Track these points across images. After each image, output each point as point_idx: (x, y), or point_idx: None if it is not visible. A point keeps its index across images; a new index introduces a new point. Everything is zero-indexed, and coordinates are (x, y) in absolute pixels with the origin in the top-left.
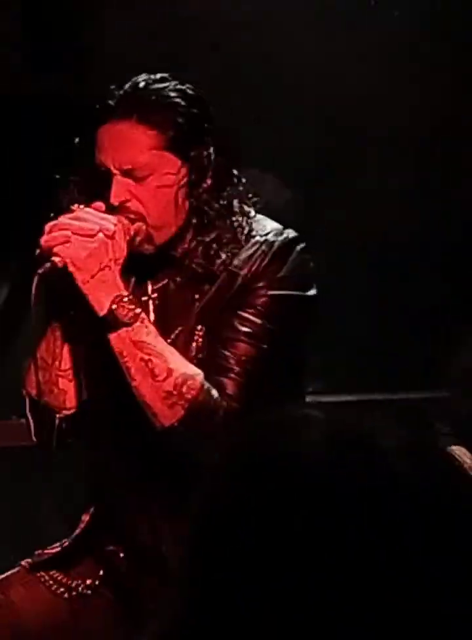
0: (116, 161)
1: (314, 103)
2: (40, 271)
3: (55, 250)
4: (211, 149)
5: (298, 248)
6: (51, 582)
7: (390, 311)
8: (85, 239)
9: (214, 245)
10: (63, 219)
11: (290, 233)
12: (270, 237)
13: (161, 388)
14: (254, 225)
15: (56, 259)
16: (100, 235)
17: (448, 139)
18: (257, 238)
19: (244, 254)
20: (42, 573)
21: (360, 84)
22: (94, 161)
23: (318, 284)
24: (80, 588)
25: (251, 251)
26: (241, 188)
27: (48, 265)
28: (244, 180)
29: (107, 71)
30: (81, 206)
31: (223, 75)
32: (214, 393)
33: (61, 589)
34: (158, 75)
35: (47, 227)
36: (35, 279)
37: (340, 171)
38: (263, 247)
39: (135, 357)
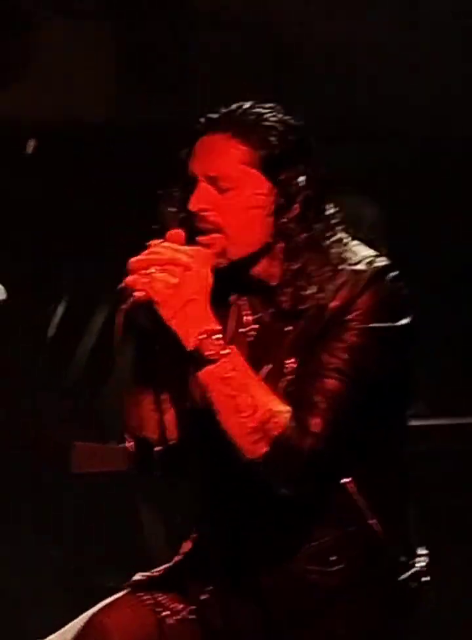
0: (203, 167)
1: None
2: (123, 306)
3: (137, 287)
4: (303, 178)
5: (389, 276)
6: (156, 605)
7: None
8: (165, 274)
9: (302, 277)
10: (141, 256)
11: (381, 262)
12: (360, 267)
13: (246, 424)
14: (345, 254)
15: (138, 294)
16: (182, 269)
17: None
18: (347, 268)
19: (333, 285)
20: (148, 596)
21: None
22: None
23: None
24: (183, 613)
25: (340, 282)
26: (333, 218)
27: (131, 300)
28: (337, 209)
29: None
30: (158, 241)
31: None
32: (300, 431)
33: (166, 613)
34: (267, 103)
35: (129, 265)
36: (118, 315)
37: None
38: (353, 277)
39: (221, 393)
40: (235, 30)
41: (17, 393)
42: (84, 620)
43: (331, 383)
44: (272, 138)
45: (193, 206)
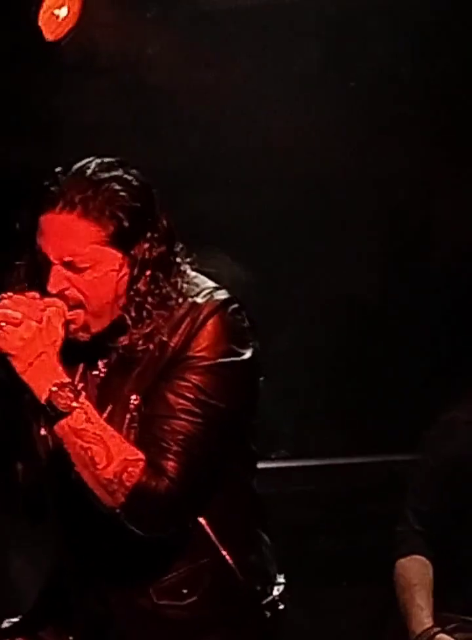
0: (56, 251)
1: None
2: None
3: None
4: (152, 243)
5: (229, 309)
6: None
7: (358, 373)
8: (18, 328)
9: (154, 337)
10: None
11: (220, 295)
12: (199, 300)
13: (101, 476)
14: (186, 287)
15: None
16: (33, 322)
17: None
18: (187, 301)
19: (172, 321)
20: None
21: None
22: (35, 244)
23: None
24: None
25: (179, 315)
26: (180, 261)
27: None
28: (181, 246)
29: (73, 141)
30: (9, 294)
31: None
32: (156, 477)
33: None
34: (106, 162)
35: None
36: None
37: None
38: (191, 313)
39: (75, 445)
40: (103, 77)
41: None
42: None
43: (181, 425)
44: (120, 214)
45: (51, 288)
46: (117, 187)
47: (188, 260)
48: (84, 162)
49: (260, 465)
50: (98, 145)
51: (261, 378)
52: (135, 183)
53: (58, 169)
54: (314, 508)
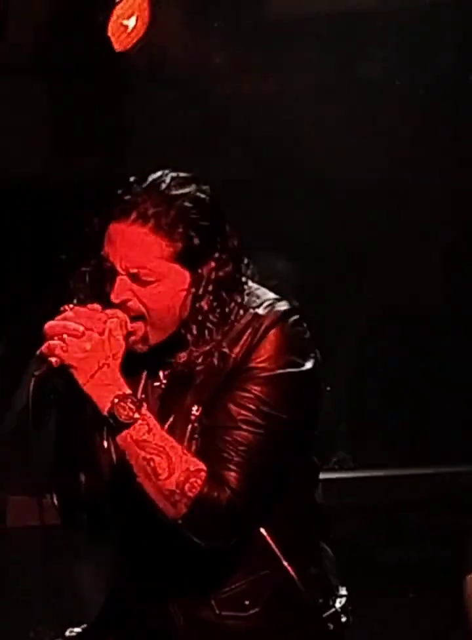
0: (123, 262)
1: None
2: (36, 372)
3: (52, 353)
4: (219, 262)
5: (290, 320)
6: None
7: (420, 385)
8: (80, 340)
9: (213, 354)
10: (54, 322)
11: (281, 306)
12: (260, 311)
13: (164, 487)
14: (246, 298)
15: (52, 359)
16: (94, 334)
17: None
18: (248, 312)
19: (234, 332)
20: None
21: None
22: (101, 251)
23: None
24: None
25: (240, 327)
26: (244, 281)
27: (44, 366)
28: (246, 262)
29: (141, 151)
30: (71, 306)
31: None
32: (217, 488)
33: None
34: (180, 176)
35: (44, 330)
36: (32, 381)
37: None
38: (253, 323)
39: (137, 457)
40: (169, 86)
41: None
42: None
43: (243, 435)
44: (191, 232)
45: (115, 298)
46: (189, 204)
47: (252, 274)
48: (159, 174)
49: (323, 476)
50: (165, 154)
51: (328, 388)
52: (207, 201)
53: (132, 179)
54: (373, 519)
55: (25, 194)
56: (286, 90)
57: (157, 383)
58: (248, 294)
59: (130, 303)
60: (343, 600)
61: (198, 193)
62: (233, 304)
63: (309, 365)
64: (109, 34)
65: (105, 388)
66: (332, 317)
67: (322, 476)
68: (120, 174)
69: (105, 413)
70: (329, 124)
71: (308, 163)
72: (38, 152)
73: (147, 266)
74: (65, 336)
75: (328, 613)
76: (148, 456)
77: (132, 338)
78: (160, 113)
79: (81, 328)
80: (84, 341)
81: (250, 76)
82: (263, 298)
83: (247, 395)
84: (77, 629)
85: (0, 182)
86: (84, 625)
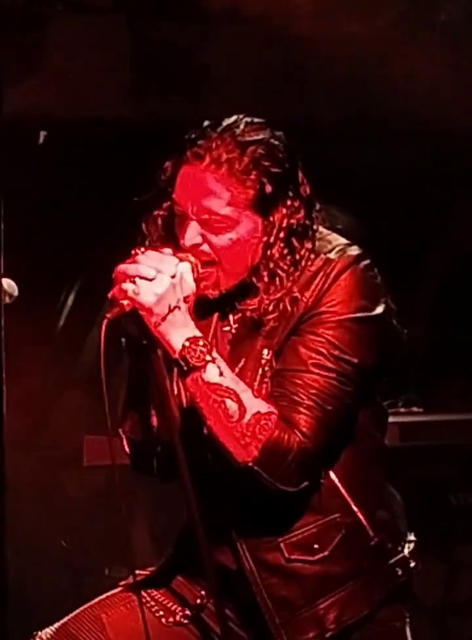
0: (195, 207)
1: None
2: (108, 315)
3: (123, 296)
4: (291, 209)
5: (362, 265)
6: (153, 603)
7: None
8: (151, 283)
9: (284, 301)
10: (126, 265)
11: (352, 251)
12: (332, 256)
13: (234, 429)
14: (317, 243)
15: (123, 302)
16: (165, 277)
17: None
18: (320, 257)
19: (305, 277)
20: (144, 594)
21: None
22: (173, 195)
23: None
24: (178, 615)
25: (312, 271)
26: (315, 228)
27: (116, 309)
28: (318, 208)
29: (219, 91)
30: (143, 249)
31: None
32: (288, 431)
33: (162, 612)
34: (255, 122)
35: (115, 273)
36: (104, 323)
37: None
38: (325, 268)
39: (208, 399)
40: (248, 26)
41: (29, 388)
42: (83, 613)
43: (313, 379)
44: (264, 179)
45: (185, 243)
46: (263, 151)
47: (323, 220)
48: (232, 119)
49: (391, 420)
50: (243, 94)
51: (405, 331)
52: (280, 148)
53: (206, 123)
54: (447, 463)
55: (101, 136)
56: (370, 30)
57: (227, 328)
58: (319, 240)
59: (201, 249)
60: (412, 545)
61: (271, 140)
62: (303, 251)
63: (379, 310)
64: None
65: (176, 331)
66: (413, 258)
67: (392, 419)
68: (198, 115)
69: (176, 356)
70: (409, 65)
71: (389, 103)
72: (116, 92)
73: (219, 213)
74: (137, 279)
75: (396, 558)
76: (219, 399)
77: (204, 283)
78: (238, 52)
79: (153, 272)
80: (155, 284)
81: (331, 13)
82: (334, 243)
83: (318, 338)
84: (146, 571)
85: (77, 123)
86: (154, 568)
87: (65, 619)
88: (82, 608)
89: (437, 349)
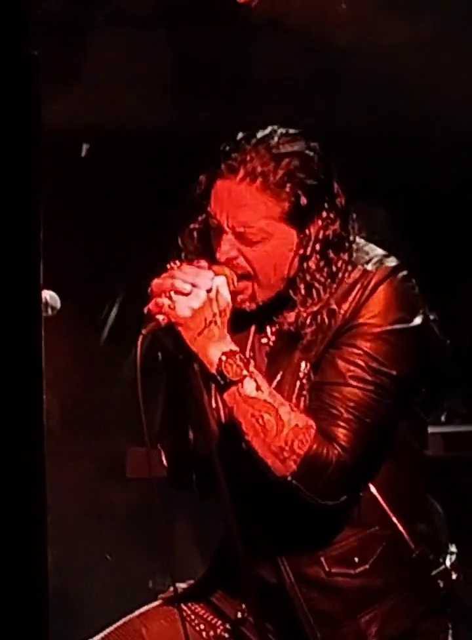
0: (230, 220)
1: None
2: (144, 331)
3: (159, 311)
4: (327, 222)
5: (399, 276)
6: (193, 617)
7: None
8: (187, 297)
9: (321, 314)
10: (161, 279)
11: (390, 262)
12: (369, 267)
13: (273, 444)
14: (354, 255)
15: (159, 317)
16: (201, 291)
17: None
18: (357, 268)
19: (342, 289)
20: (184, 607)
21: None
22: (208, 208)
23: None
24: (218, 629)
25: (350, 283)
26: (352, 239)
27: (152, 324)
28: (354, 218)
29: (260, 101)
30: (178, 263)
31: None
32: (327, 445)
33: (202, 626)
34: (289, 133)
35: (151, 287)
36: (140, 338)
37: None
38: (362, 280)
39: (246, 414)
40: (291, 36)
41: (71, 399)
42: (123, 626)
43: (352, 392)
44: (299, 191)
45: (221, 256)
46: (297, 163)
47: (359, 230)
48: (267, 131)
49: (432, 430)
50: (283, 104)
51: (448, 342)
52: (315, 159)
53: (240, 135)
54: None
55: (143, 147)
56: (410, 39)
57: (264, 341)
58: (356, 251)
59: (236, 262)
60: (454, 557)
61: (306, 151)
62: (340, 262)
63: (418, 321)
64: None
65: (213, 346)
66: (458, 266)
67: (433, 429)
68: (237, 125)
69: (213, 371)
70: (450, 73)
71: (429, 113)
72: (157, 104)
73: (254, 226)
74: (172, 293)
75: (437, 570)
76: (257, 413)
77: (240, 296)
78: (280, 63)
79: (189, 286)
80: (191, 298)
81: (373, 23)
82: (372, 254)
83: (356, 351)
84: (185, 585)
85: (119, 135)
86: (193, 581)
87: (105, 632)
88: (122, 621)
89: None
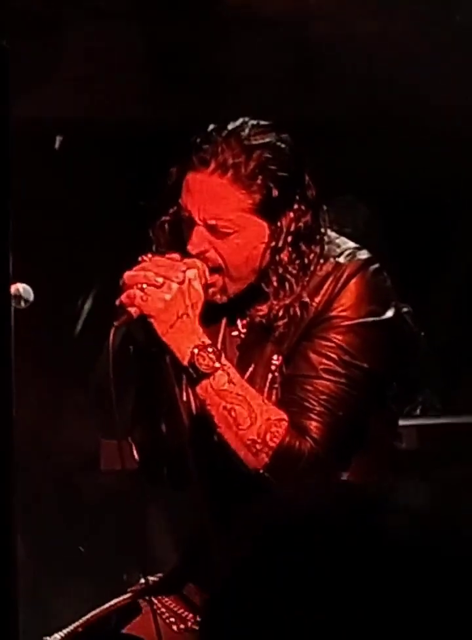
0: (201, 213)
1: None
2: (116, 323)
3: (131, 303)
4: (298, 213)
5: (371, 269)
6: (164, 610)
7: None
8: (159, 290)
9: (294, 306)
10: (133, 271)
11: (362, 254)
12: (341, 260)
13: (245, 436)
14: (326, 247)
15: (131, 309)
16: (173, 284)
17: None
18: (329, 261)
19: (314, 281)
20: (155, 600)
21: None
22: (179, 200)
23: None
24: (189, 622)
25: (321, 276)
26: (323, 231)
27: (124, 316)
28: (325, 209)
29: (233, 93)
30: (150, 256)
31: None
32: (299, 438)
33: (173, 619)
34: (260, 125)
35: (123, 279)
36: (112, 331)
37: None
38: (334, 273)
39: (218, 406)
40: (264, 29)
41: (43, 392)
42: (92, 618)
43: (324, 384)
44: (270, 183)
45: (192, 249)
46: (269, 155)
47: (330, 222)
48: (238, 122)
49: (407, 423)
50: (257, 97)
51: (422, 334)
52: (287, 151)
53: (211, 127)
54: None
55: (118, 139)
56: (386, 30)
57: (235, 333)
58: (328, 243)
59: (208, 255)
60: None
61: (277, 143)
62: (312, 255)
63: (390, 314)
64: None
65: (185, 338)
66: (434, 258)
67: (407, 422)
68: (211, 118)
69: (185, 363)
70: (425, 67)
71: (404, 106)
72: (132, 96)
73: (225, 218)
74: (144, 285)
75: None
76: (229, 406)
77: (211, 289)
78: (253, 55)
79: (160, 278)
80: (163, 291)
81: (346, 16)
82: (343, 246)
83: (328, 344)
84: (155, 578)
85: (93, 127)
86: (162, 574)
87: (76, 623)
88: (93, 613)
89: (460, 349)
